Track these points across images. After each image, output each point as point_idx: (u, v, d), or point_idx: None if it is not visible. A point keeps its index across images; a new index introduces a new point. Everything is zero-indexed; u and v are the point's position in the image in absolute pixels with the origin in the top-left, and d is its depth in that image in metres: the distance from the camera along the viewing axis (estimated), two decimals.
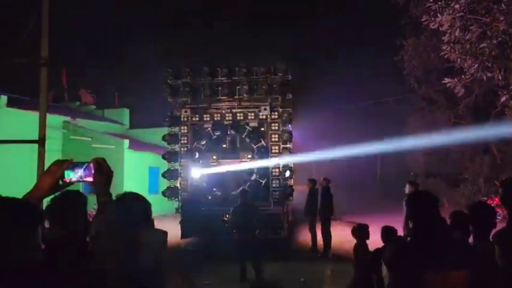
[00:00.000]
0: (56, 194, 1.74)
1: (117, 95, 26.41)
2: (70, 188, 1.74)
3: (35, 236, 1.25)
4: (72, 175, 1.64)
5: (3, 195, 1.34)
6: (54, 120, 17.59)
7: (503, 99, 10.91)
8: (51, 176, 1.59)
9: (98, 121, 22.30)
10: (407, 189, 7.57)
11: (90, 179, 1.64)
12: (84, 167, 1.65)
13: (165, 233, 1.90)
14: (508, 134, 17.71)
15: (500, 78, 9.93)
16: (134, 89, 27.93)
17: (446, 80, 10.65)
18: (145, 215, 1.78)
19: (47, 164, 3.81)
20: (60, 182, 1.61)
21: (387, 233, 4.97)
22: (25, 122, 14.67)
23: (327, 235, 10.12)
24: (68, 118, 19.52)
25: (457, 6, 9.57)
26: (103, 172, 1.62)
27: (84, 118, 21.06)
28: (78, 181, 1.66)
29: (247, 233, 7.58)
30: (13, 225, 1.22)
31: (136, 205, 1.71)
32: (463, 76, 10.34)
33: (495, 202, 16.10)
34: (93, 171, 1.63)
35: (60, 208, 1.81)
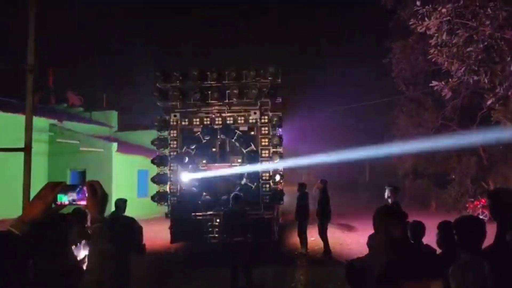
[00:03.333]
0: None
1: (105, 97, 26.16)
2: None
3: (23, 270, 1.21)
4: (64, 199, 1.60)
5: None
6: (41, 122, 17.35)
7: (489, 101, 11.06)
8: (42, 200, 1.56)
9: (86, 124, 22.05)
10: (387, 193, 7.55)
11: (83, 202, 1.61)
12: (77, 190, 1.62)
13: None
14: (494, 136, 18.00)
15: (486, 81, 10.06)
16: (122, 90, 27.74)
17: (434, 83, 10.74)
18: (137, 240, 1.75)
19: (33, 170, 3.73)
20: (53, 205, 1.58)
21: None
22: (11, 125, 14.47)
23: (325, 238, 10.16)
24: (55, 121, 19.27)
25: (444, 10, 9.65)
26: (97, 195, 1.59)
27: (71, 121, 20.81)
28: (71, 204, 1.63)
29: (238, 238, 7.54)
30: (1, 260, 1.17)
31: (128, 230, 1.68)
32: (450, 79, 10.45)
33: (481, 203, 16.35)
34: (87, 195, 1.60)
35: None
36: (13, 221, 1.50)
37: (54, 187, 1.59)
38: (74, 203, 1.62)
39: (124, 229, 1.53)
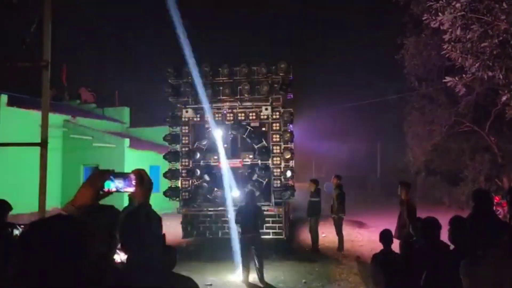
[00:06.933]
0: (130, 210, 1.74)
1: (118, 93, 26.39)
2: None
3: (84, 253, 1.21)
4: (112, 185, 1.65)
5: (9, 193, 1.31)
6: (55, 119, 17.58)
7: (504, 98, 10.88)
8: (93, 186, 1.60)
9: (99, 120, 22.27)
10: (399, 190, 7.54)
11: (130, 189, 1.67)
12: (124, 177, 1.67)
13: (174, 250, 1.91)
14: (508, 133, 17.72)
15: (501, 77, 9.90)
16: (134, 87, 27.94)
17: (447, 79, 10.61)
18: (157, 230, 1.79)
19: (47, 165, 3.80)
20: (101, 192, 1.63)
21: (386, 236, 5.07)
22: (25, 121, 14.70)
23: (341, 235, 10.09)
24: (68, 117, 19.50)
25: (458, 5, 9.51)
26: (144, 183, 1.65)
27: (84, 117, 21.05)
28: (118, 191, 1.68)
29: (251, 233, 7.58)
30: (62, 244, 1.19)
31: (149, 220, 1.72)
32: (464, 75, 10.31)
33: (495, 201, 16.12)
34: (134, 182, 1.66)
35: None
36: (64, 206, 1.55)
37: (102, 174, 1.64)
38: (121, 190, 1.67)
39: (145, 219, 1.56)
